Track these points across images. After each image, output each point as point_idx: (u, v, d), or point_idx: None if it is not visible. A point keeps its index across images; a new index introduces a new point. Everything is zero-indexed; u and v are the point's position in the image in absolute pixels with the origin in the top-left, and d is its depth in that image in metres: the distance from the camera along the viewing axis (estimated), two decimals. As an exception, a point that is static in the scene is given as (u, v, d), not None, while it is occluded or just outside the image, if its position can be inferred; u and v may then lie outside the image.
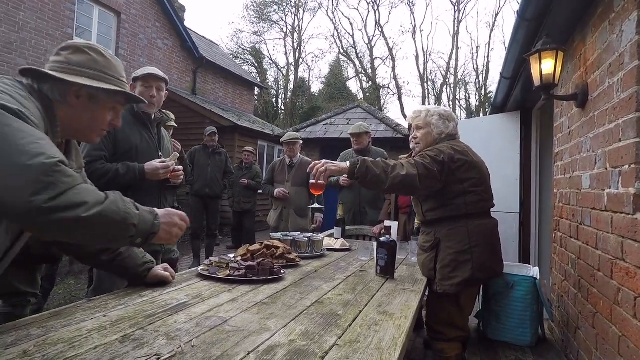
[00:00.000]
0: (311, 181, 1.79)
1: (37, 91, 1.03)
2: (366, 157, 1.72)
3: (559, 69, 2.07)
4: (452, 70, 22.81)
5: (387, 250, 1.63)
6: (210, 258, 1.66)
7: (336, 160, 3.59)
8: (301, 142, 3.95)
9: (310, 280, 1.61)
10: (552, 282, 2.61)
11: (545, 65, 2.07)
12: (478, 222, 1.79)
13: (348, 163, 1.70)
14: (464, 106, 23.74)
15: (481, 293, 2.05)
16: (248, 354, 0.90)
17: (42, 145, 0.84)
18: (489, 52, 28.41)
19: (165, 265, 1.48)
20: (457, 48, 22.48)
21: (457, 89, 23.54)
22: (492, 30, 30.17)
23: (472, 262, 1.71)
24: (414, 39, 27.46)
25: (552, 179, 2.75)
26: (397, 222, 2.12)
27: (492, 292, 1.94)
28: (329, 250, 2.27)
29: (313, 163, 1.67)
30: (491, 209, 1.91)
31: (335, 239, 2.50)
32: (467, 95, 24.34)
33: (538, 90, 2.21)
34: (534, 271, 2.01)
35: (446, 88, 23.40)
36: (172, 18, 9.45)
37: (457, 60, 22.80)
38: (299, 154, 3.99)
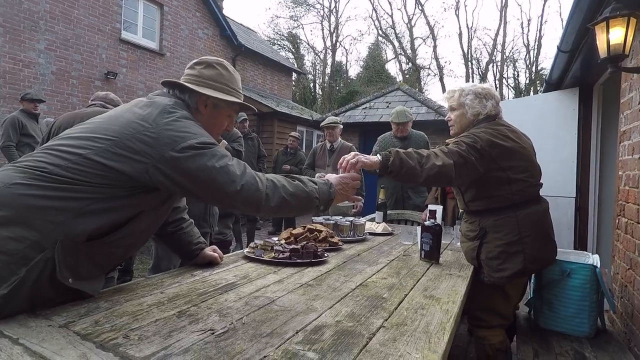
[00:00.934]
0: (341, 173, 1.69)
1: (183, 101, 1.22)
2: (398, 149, 1.59)
3: (630, 38, 1.85)
4: (499, 47, 21.48)
5: (431, 234, 1.59)
6: (256, 241, 1.71)
7: (374, 144, 3.59)
8: (341, 126, 3.95)
9: (353, 263, 1.61)
10: (614, 271, 2.44)
11: (614, 35, 1.86)
12: (527, 211, 1.66)
13: (379, 156, 1.57)
14: (512, 85, 22.37)
15: (532, 280, 1.96)
16: (296, 332, 0.92)
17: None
18: (541, 26, 26.27)
19: (214, 247, 1.55)
20: (505, 23, 21.05)
21: (505, 67, 22.17)
22: (545, 1, 27.85)
23: (523, 254, 1.61)
24: (457, 16, 26.10)
25: (617, 160, 2.53)
26: (441, 207, 2.07)
27: (545, 280, 1.85)
28: (371, 234, 2.26)
29: (343, 157, 1.54)
30: (543, 194, 1.79)
31: (377, 223, 2.48)
32: (515, 73, 22.87)
33: (603, 63, 2.00)
34: (593, 259, 1.88)
35: (492, 66, 22.11)
36: (211, 7, 9.62)
37: (504, 35, 21.33)
38: (339, 139, 3.99)
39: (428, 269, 1.55)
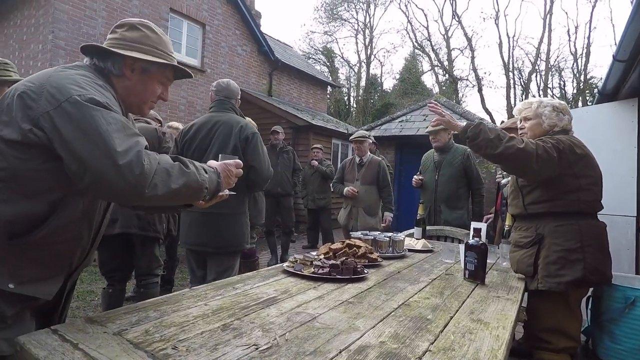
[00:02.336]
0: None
1: (100, 69, 1.14)
2: (483, 121, 1.77)
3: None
4: (542, 56, 20.61)
5: (476, 253, 1.53)
6: (295, 255, 1.71)
7: (419, 165, 3.56)
8: (371, 140, 3.96)
9: (394, 281, 1.58)
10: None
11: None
12: (590, 222, 1.65)
13: (464, 122, 1.78)
14: (558, 95, 21.31)
15: (589, 306, 1.82)
16: (340, 352, 0.91)
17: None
18: (589, 32, 24.95)
19: None
20: (550, 30, 20.03)
21: (550, 76, 21.22)
22: (594, 7, 26.52)
23: (583, 262, 1.57)
24: (497, 25, 25.42)
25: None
26: (486, 224, 1.98)
27: (604, 307, 1.71)
28: (410, 250, 2.21)
29: (435, 102, 1.90)
30: (599, 212, 1.71)
31: (416, 239, 2.42)
32: (561, 82, 21.82)
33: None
34: (661, 285, 1.73)
35: (535, 76, 21.20)
36: (250, 25, 9.99)
37: (549, 44, 20.33)
38: (368, 153, 4.02)
39: (473, 290, 1.48)
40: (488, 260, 1.66)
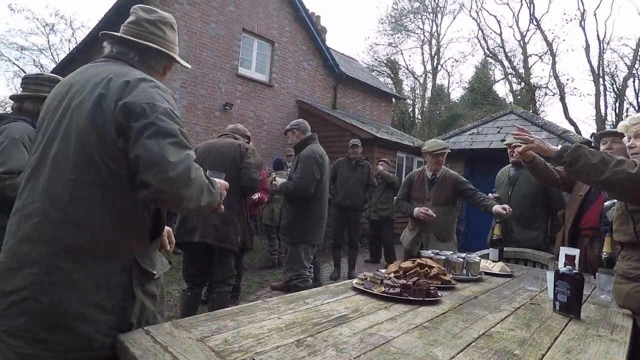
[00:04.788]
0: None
1: (146, 65, 1.25)
2: (582, 144, 1.55)
3: None
4: (641, 58, 18.29)
5: (570, 283, 1.36)
6: (365, 273, 1.68)
7: (492, 181, 3.24)
8: (449, 151, 3.34)
9: (471, 307, 1.47)
10: None
11: None
12: None
13: (558, 146, 1.60)
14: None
15: None
16: (420, 383, 0.86)
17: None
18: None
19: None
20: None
21: (651, 81, 18.70)
22: None
23: None
24: (583, 27, 23.19)
25: None
26: (578, 250, 1.76)
27: None
28: (486, 274, 2.05)
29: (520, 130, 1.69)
30: None
31: (492, 261, 2.25)
32: (667, 88, 19.13)
33: None
34: None
35: (633, 81, 18.87)
36: (316, 41, 10.28)
37: (650, 44, 18.01)
38: (443, 167, 3.34)
39: (566, 325, 1.32)
40: (583, 292, 1.48)
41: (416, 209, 3.13)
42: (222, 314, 1.19)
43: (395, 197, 3.53)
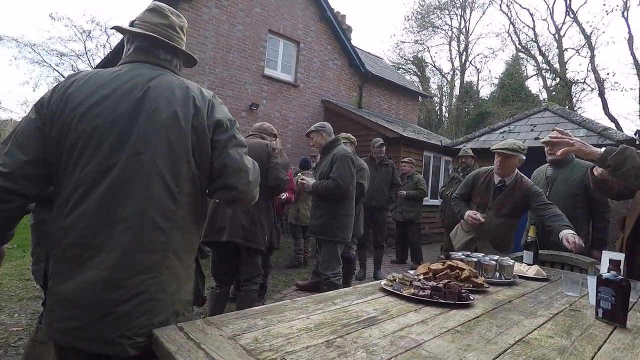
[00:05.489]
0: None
1: (174, 65, 1.31)
2: (628, 146, 1.47)
3: None
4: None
5: (615, 290, 1.29)
6: (393, 274, 1.65)
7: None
8: (523, 157, 2.78)
9: (505, 311, 1.42)
10: None
11: None
12: None
13: (602, 148, 1.53)
14: None
15: None
16: (454, 389, 0.83)
17: None
18: None
19: None
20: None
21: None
22: None
23: None
24: (625, 18, 21.88)
25: None
26: (623, 255, 1.65)
27: None
28: (520, 277, 1.97)
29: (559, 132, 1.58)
30: None
31: (527, 264, 2.16)
32: None
33: None
34: None
35: (683, 75, 17.64)
36: (341, 40, 10.25)
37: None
38: (516, 172, 2.80)
39: (611, 333, 1.25)
40: (630, 299, 1.39)
41: (466, 213, 2.80)
42: (252, 313, 1.20)
43: (454, 194, 3.10)
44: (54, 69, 20.42)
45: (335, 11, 10.29)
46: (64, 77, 20.18)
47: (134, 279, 1.06)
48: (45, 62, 21.19)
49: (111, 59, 10.08)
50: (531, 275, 1.98)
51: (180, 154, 1.13)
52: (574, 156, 2.91)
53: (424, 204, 6.26)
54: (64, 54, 20.23)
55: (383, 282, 1.62)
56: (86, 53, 20.65)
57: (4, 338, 2.70)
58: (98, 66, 11.66)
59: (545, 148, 2.96)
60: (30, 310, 3.24)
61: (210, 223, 2.61)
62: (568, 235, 2.29)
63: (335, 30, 10.11)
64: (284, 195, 3.90)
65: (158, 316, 1.10)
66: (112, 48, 11.33)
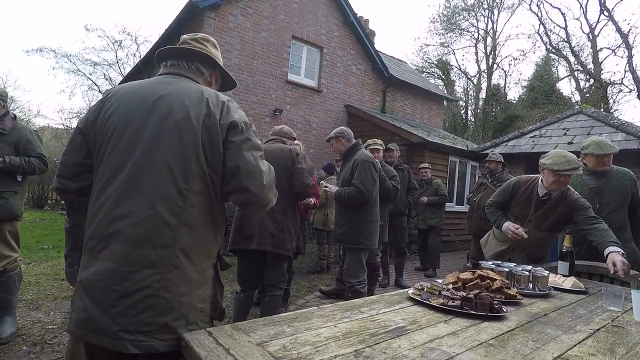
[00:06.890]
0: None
1: (203, 75, 1.39)
2: None
3: None
4: None
5: (662, 305, 1.21)
6: (421, 282, 1.62)
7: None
8: (580, 172, 2.42)
9: (541, 325, 1.35)
10: None
11: None
12: None
13: None
14: None
15: None
16: (490, 407, 0.79)
17: None
18: None
19: None
20: None
21: None
22: None
23: None
24: (666, 14, 20.79)
25: None
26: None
27: None
28: (555, 289, 1.89)
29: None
30: None
31: (562, 275, 2.06)
32: None
33: None
34: None
35: None
36: (365, 44, 10.23)
37: None
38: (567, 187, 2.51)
39: (659, 352, 1.17)
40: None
41: (505, 225, 2.55)
42: (279, 319, 1.20)
43: (488, 200, 2.83)
44: (88, 77, 21.38)
45: (358, 16, 10.29)
46: (97, 85, 21.07)
47: (139, 272, 1.07)
48: (80, 71, 22.28)
49: (141, 68, 10.45)
50: (568, 287, 1.89)
51: (190, 151, 1.15)
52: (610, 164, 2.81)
53: (448, 209, 6.12)
54: (97, 63, 21.16)
55: (410, 291, 1.59)
56: (117, 62, 21.52)
57: (41, 335, 2.81)
58: (128, 74, 12.10)
59: (582, 158, 2.84)
60: (65, 309, 3.37)
61: (237, 231, 2.64)
62: (615, 257, 2.03)
63: (359, 35, 10.10)
64: (311, 201, 3.89)
65: (162, 316, 1.08)
66: (142, 57, 11.72)
